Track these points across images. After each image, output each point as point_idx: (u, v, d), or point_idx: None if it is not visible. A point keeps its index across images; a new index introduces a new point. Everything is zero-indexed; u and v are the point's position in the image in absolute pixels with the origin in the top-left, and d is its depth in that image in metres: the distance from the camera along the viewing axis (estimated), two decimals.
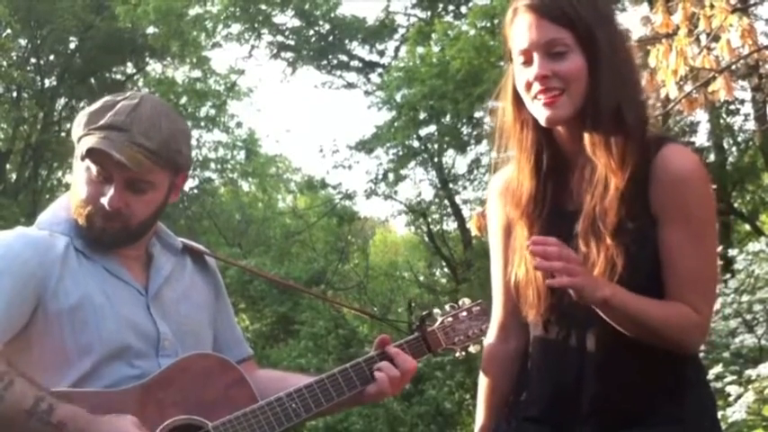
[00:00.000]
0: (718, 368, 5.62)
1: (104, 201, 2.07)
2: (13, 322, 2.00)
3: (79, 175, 2.11)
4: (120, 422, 1.94)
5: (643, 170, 1.86)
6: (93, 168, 2.08)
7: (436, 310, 2.40)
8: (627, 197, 1.85)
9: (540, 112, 1.90)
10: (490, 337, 2.14)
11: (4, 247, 2.06)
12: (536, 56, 1.88)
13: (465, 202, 17.11)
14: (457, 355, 2.37)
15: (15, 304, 2.00)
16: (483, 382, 2.14)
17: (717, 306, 7.17)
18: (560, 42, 1.87)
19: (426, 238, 18.75)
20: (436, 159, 16.58)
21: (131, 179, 2.07)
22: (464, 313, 2.39)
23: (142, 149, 2.06)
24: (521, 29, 1.90)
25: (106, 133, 2.06)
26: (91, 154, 2.06)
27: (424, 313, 2.36)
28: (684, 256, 1.85)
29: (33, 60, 18.73)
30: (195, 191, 19.20)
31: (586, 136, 1.89)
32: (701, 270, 1.87)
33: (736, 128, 14.91)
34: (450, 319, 2.37)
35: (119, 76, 19.63)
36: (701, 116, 12.74)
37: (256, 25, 17.57)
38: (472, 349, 2.37)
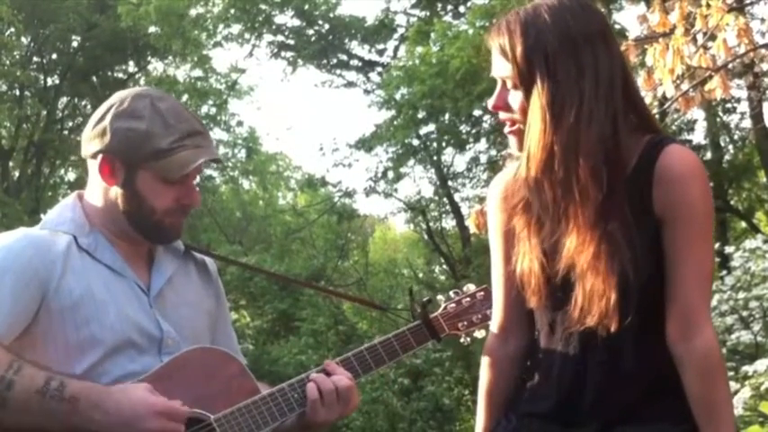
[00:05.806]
0: None
1: (191, 200, 2.19)
2: (17, 321, 2.00)
3: (157, 183, 2.14)
4: (133, 390, 1.96)
5: (646, 172, 1.87)
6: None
7: (439, 297, 2.39)
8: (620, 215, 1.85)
9: (509, 139, 1.97)
10: (490, 339, 2.11)
11: (6, 248, 2.05)
12: (498, 86, 1.94)
13: (464, 199, 17.16)
14: (462, 340, 2.34)
15: (20, 303, 2.00)
16: (483, 384, 2.11)
17: (713, 303, 7.25)
18: (509, 78, 1.90)
19: (425, 236, 18.76)
20: (435, 157, 16.58)
21: None
22: (468, 299, 2.38)
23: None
24: (491, 58, 1.95)
25: (193, 140, 2.15)
26: (202, 164, 2.15)
27: (425, 299, 2.34)
28: (689, 255, 1.86)
29: (36, 59, 18.72)
30: (196, 188, 19.16)
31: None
32: (703, 268, 1.89)
33: (732, 126, 15.01)
34: (453, 305, 2.36)
35: (121, 75, 19.58)
36: (698, 114, 12.85)
37: (257, 25, 17.61)
38: (478, 334, 2.35)
